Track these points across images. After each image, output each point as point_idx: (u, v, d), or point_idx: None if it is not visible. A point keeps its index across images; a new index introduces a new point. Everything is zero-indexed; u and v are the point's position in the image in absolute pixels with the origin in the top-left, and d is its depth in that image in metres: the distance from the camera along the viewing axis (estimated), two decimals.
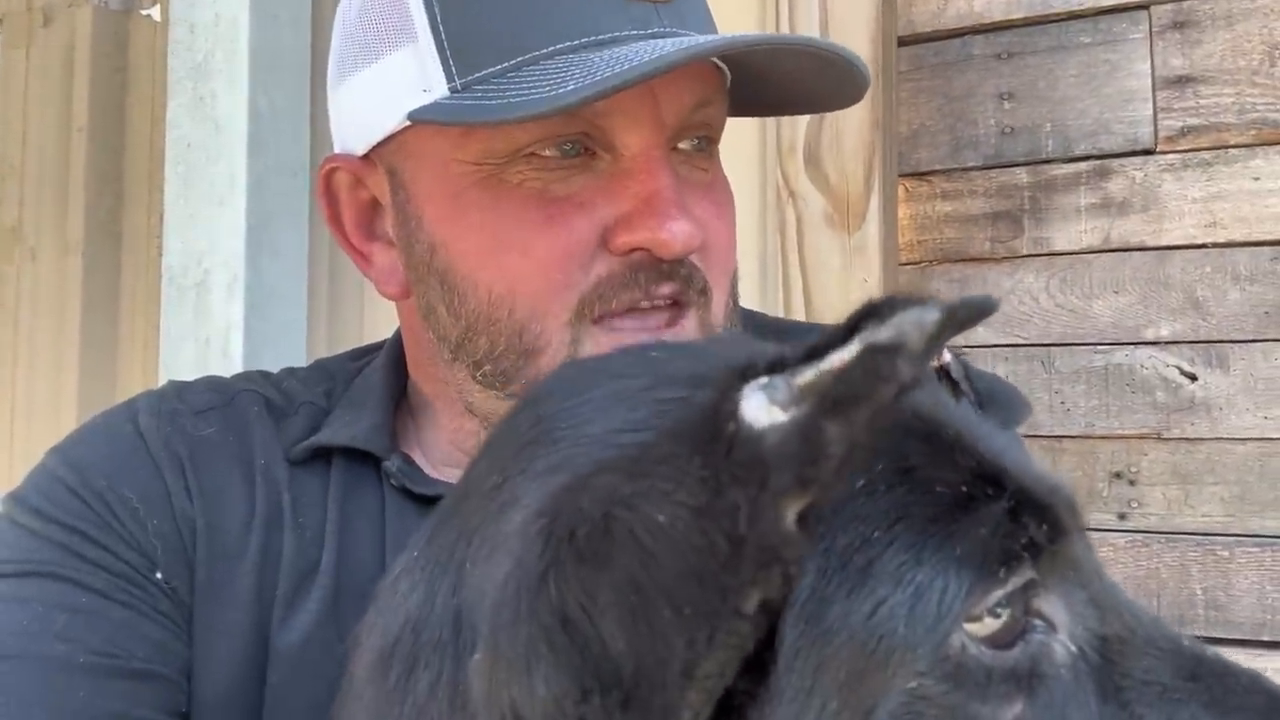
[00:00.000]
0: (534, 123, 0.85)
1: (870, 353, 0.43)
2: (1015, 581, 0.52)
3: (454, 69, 0.86)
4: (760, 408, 0.45)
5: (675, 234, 0.86)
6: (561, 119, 0.85)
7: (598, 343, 0.88)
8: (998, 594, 0.51)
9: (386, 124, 0.91)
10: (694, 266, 0.90)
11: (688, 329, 0.91)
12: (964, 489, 0.53)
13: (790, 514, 0.44)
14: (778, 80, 0.94)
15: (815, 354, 0.45)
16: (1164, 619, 0.59)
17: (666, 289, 0.89)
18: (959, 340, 0.71)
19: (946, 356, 0.72)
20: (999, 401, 0.76)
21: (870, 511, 0.51)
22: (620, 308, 0.89)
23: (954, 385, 0.71)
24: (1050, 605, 0.54)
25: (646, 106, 0.87)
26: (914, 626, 0.50)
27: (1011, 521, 0.52)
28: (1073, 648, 0.54)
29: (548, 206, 0.88)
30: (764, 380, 0.45)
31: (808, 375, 0.44)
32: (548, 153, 0.88)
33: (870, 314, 0.44)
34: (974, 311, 0.69)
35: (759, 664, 0.50)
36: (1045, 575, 0.53)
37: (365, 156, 0.95)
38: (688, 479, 0.45)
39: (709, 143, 0.95)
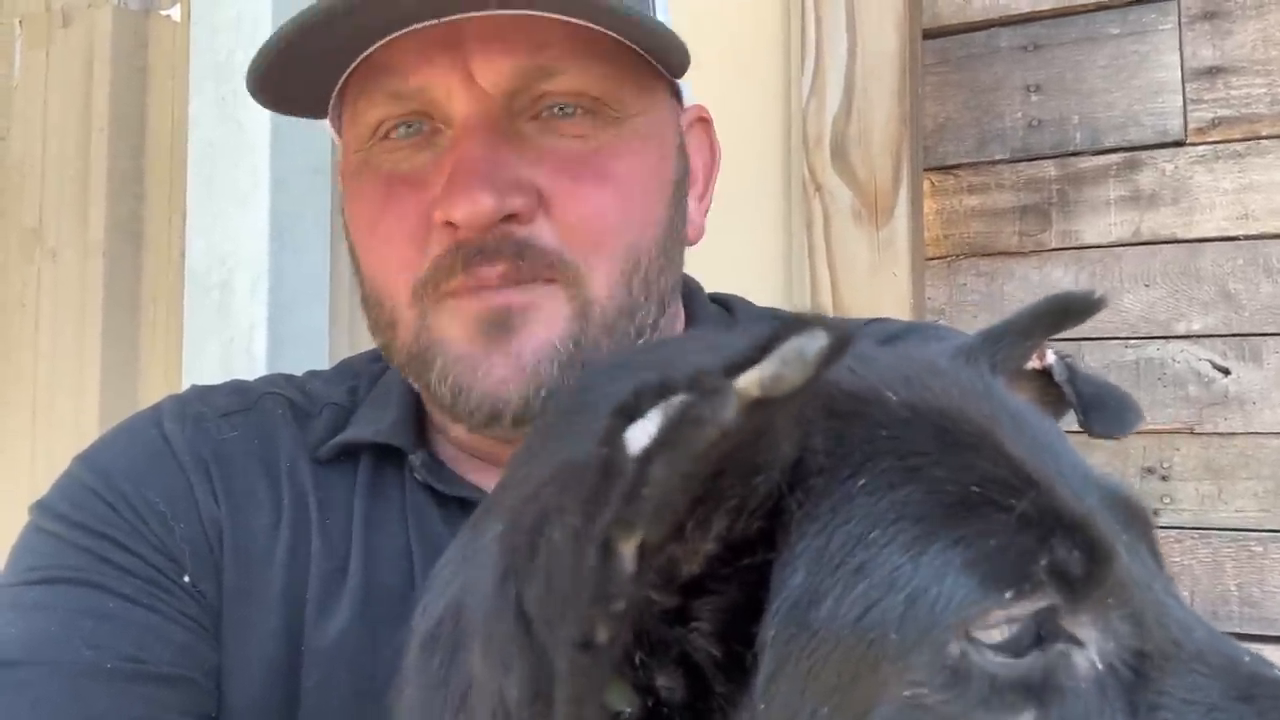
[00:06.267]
0: (372, 105, 0.88)
1: (689, 397, 0.40)
2: (1025, 607, 0.48)
3: None
4: (645, 431, 0.40)
5: (459, 206, 0.84)
6: (392, 100, 0.87)
7: (441, 320, 0.88)
8: (1001, 615, 0.48)
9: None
10: (527, 243, 0.86)
11: (546, 307, 0.86)
12: (977, 491, 0.49)
13: (623, 549, 0.41)
14: None
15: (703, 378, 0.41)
16: (1227, 636, 0.54)
17: (489, 269, 0.85)
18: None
19: (1050, 358, 0.69)
20: (1106, 406, 0.71)
21: (869, 510, 0.48)
22: (455, 289, 0.87)
23: (1056, 388, 0.68)
24: (1077, 623, 0.50)
25: (457, 75, 0.86)
26: (906, 632, 0.47)
27: (1035, 541, 0.49)
28: (1100, 664, 0.50)
29: (390, 186, 0.89)
30: (674, 399, 0.41)
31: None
32: (397, 133, 0.89)
33: (773, 340, 0.40)
34: (1082, 306, 0.66)
35: (739, 666, 0.48)
36: (1075, 601, 0.49)
37: None
38: (578, 499, 0.42)
39: (590, 111, 0.89)
